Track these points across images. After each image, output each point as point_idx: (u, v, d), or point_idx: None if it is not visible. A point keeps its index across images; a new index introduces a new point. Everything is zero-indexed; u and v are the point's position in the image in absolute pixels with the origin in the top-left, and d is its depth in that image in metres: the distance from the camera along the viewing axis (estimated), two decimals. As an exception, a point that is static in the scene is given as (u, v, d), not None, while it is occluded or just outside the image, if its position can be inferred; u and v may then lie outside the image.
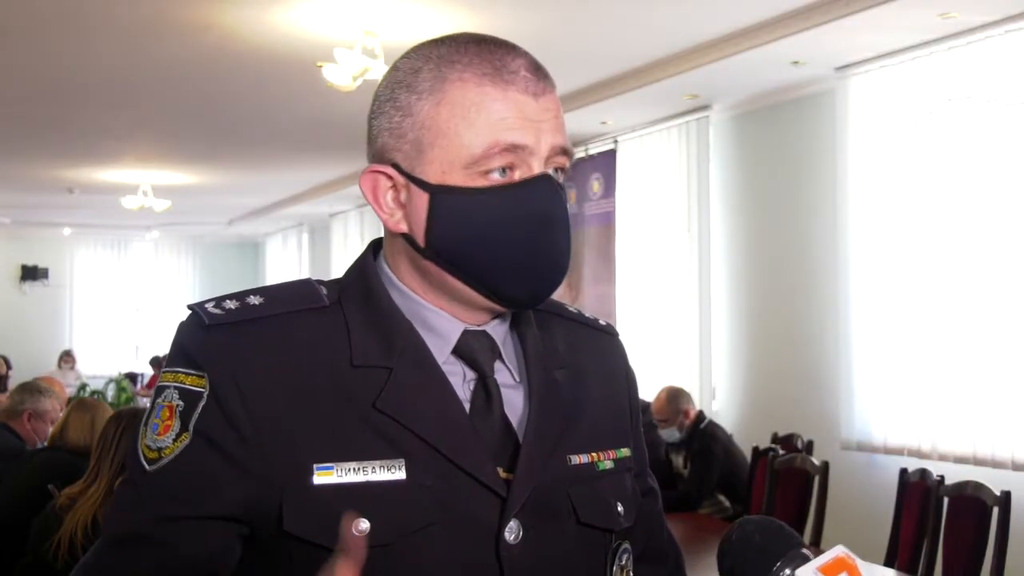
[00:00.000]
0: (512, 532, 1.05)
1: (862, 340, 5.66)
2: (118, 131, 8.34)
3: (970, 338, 5.03)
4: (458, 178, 1.05)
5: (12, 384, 8.26)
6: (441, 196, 1.06)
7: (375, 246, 1.18)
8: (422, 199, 1.07)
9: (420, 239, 1.08)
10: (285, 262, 15.42)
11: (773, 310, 6.51)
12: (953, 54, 5.14)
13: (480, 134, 1.05)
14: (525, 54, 1.09)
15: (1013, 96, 4.87)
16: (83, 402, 4.09)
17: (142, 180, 10.53)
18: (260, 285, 1.18)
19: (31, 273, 15.79)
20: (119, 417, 3.15)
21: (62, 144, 8.89)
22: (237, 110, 7.53)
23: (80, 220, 14.75)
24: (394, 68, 1.12)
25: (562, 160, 1.10)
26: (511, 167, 1.06)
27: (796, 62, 5.70)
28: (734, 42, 5.51)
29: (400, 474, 1.02)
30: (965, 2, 4.69)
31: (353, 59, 5.04)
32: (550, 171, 1.08)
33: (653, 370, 6.74)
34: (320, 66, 5.15)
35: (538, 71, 1.09)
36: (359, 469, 1.01)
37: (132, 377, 12.81)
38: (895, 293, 5.48)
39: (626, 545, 1.17)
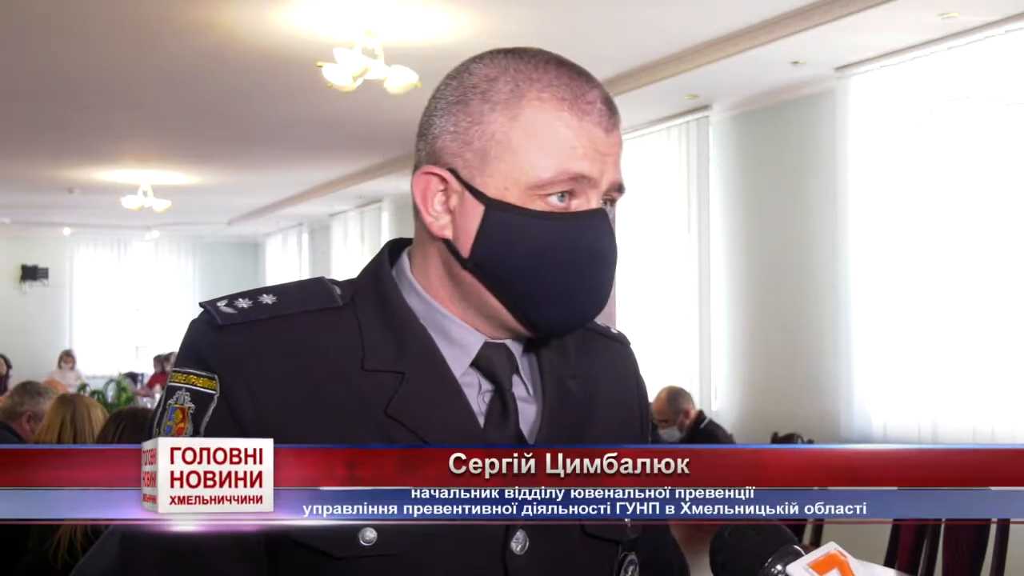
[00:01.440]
0: (519, 543, 1.05)
1: (862, 339, 5.66)
2: (118, 131, 8.34)
3: (970, 337, 5.04)
4: (518, 197, 1.05)
5: (12, 384, 8.25)
6: (498, 212, 1.05)
7: (392, 247, 1.17)
8: (476, 210, 1.06)
9: (464, 249, 1.07)
10: (285, 262, 15.42)
11: (773, 310, 6.51)
12: (953, 54, 5.14)
13: (550, 159, 1.04)
14: (600, 86, 1.09)
15: (1013, 96, 4.88)
16: (64, 398, 4.06)
17: (142, 180, 10.53)
18: (260, 285, 1.17)
19: (31, 273, 15.80)
20: (119, 417, 3.15)
21: (62, 144, 8.89)
22: (237, 110, 7.53)
23: (80, 220, 14.76)
24: (466, 71, 1.10)
25: (616, 195, 1.10)
26: (571, 194, 1.06)
27: (796, 62, 5.70)
28: (734, 42, 5.51)
29: None
30: (965, 2, 4.70)
31: (353, 59, 5.04)
32: (603, 204, 1.09)
33: (653, 370, 6.74)
34: (320, 66, 5.15)
35: (611, 106, 1.09)
36: None
37: (132, 377, 12.82)
38: (895, 293, 5.48)
39: (632, 557, 1.16)
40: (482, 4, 5.09)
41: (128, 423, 3.09)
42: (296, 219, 14.16)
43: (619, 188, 1.10)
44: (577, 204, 1.06)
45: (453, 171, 1.07)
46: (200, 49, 5.82)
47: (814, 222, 6.18)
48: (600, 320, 1.29)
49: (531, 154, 1.04)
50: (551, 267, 1.05)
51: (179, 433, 1.03)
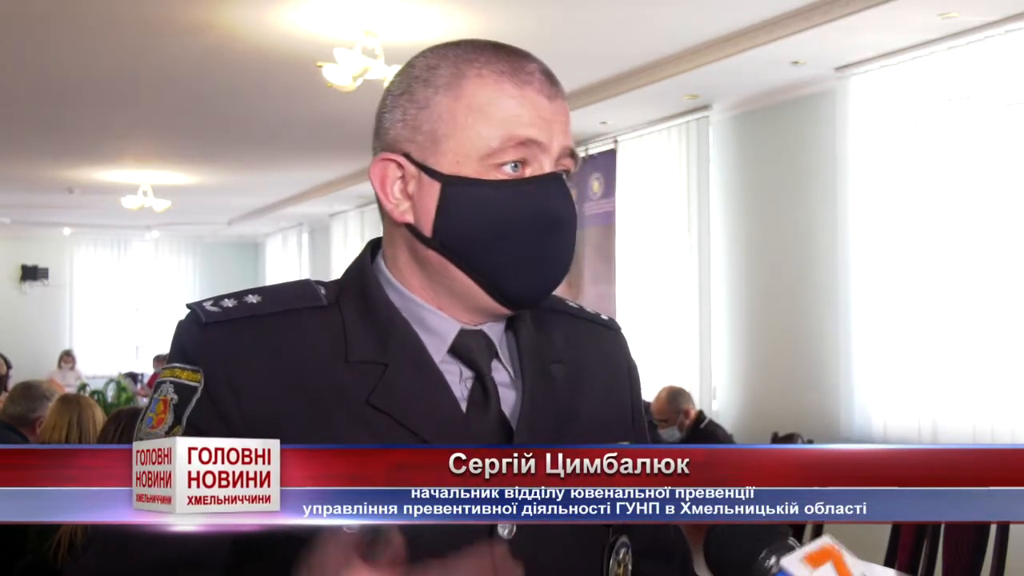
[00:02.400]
0: (505, 527, 1.05)
1: (862, 339, 5.66)
2: (118, 131, 8.34)
3: (970, 337, 5.04)
4: (472, 170, 1.07)
5: (12, 384, 8.24)
6: (454, 186, 1.07)
7: (373, 247, 1.19)
8: (433, 188, 1.08)
9: (427, 229, 1.09)
10: (285, 262, 15.43)
11: (773, 310, 6.51)
12: (953, 54, 5.15)
13: (497, 127, 1.06)
14: (539, 61, 1.12)
15: (1013, 96, 4.88)
16: (67, 398, 4.07)
17: (142, 180, 10.54)
18: (260, 285, 1.19)
19: (31, 273, 15.80)
20: (118, 417, 3.15)
21: (62, 144, 8.90)
22: (237, 110, 7.53)
23: (80, 220, 14.76)
24: (409, 66, 1.13)
25: (569, 163, 1.11)
26: (523, 162, 1.08)
27: (796, 62, 5.71)
28: (734, 42, 5.51)
29: None
30: (965, 2, 4.70)
31: (353, 59, 5.04)
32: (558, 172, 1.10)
33: (653, 370, 6.75)
34: (320, 66, 5.16)
35: (551, 77, 1.11)
36: None
37: (132, 377, 12.82)
38: (895, 293, 5.48)
39: (624, 540, 1.16)
40: (481, 4, 5.09)
41: (128, 423, 3.09)
42: (296, 219, 14.16)
43: (571, 155, 1.11)
44: (531, 171, 1.08)
45: (407, 155, 1.09)
46: (200, 49, 5.82)
47: (814, 222, 6.18)
48: (600, 313, 1.30)
49: (478, 126, 1.07)
50: (512, 234, 1.07)
51: (159, 423, 1.04)
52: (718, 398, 6.87)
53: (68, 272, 16.05)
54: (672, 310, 7.05)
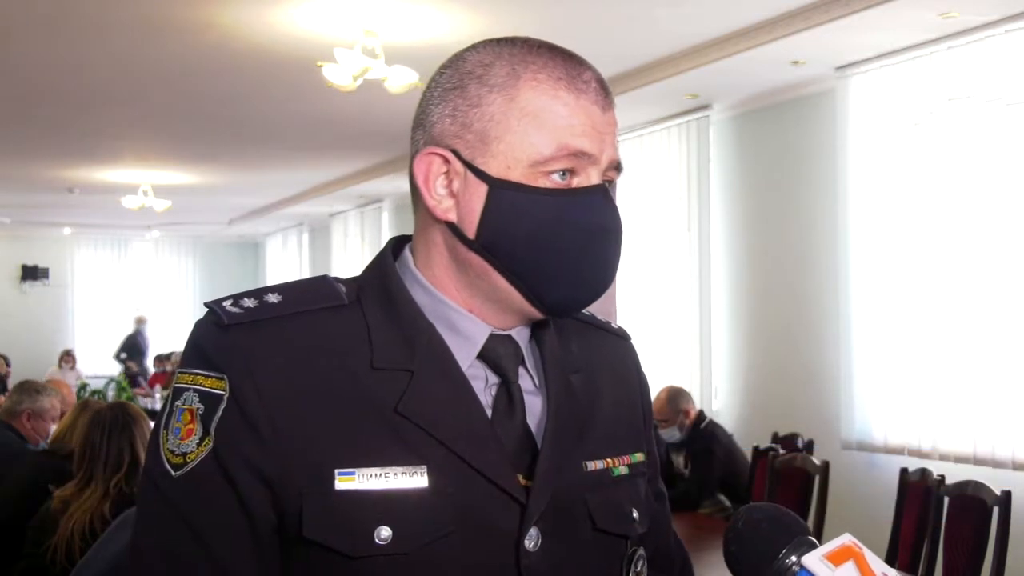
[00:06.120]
0: (532, 539, 1.05)
1: (862, 339, 5.66)
2: (118, 131, 8.34)
3: (970, 338, 5.04)
4: (520, 175, 1.05)
5: (12, 384, 8.25)
6: (502, 190, 1.05)
7: (395, 244, 1.17)
8: (480, 190, 1.06)
9: (470, 230, 1.07)
10: (285, 262, 15.42)
11: (773, 310, 6.51)
12: (953, 54, 5.14)
13: (550, 135, 1.05)
14: (595, 69, 1.10)
15: (1013, 96, 4.88)
16: (87, 404, 4.06)
17: (142, 180, 10.54)
18: (261, 285, 1.17)
19: (31, 273, 15.80)
20: (101, 418, 3.11)
21: (62, 144, 8.89)
22: (237, 110, 7.53)
23: (80, 220, 14.76)
24: (460, 59, 1.11)
25: (614, 175, 1.10)
26: (572, 172, 1.06)
27: (796, 62, 5.70)
28: (734, 42, 5.51)
29: (422, 481, 1.01)
30: (965, 2, 4.70)
31: (353, 59, 5.04)
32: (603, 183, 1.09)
33: (653, 370, 6.74)
34: (320, 66, 5.15)
35: (605, 86, 1.10)
36: (381, 475, 1.00)
37: (132, 377, 12.81)
38: (895, 293, 5.48)
39: (641, 551, 1.16)
40: (482, 4, 5.09)
41: (122, 422, 3.07)
42: (296, 219, 14.16)
43: (617, 166, 1.10)
44: (578, 181, 1.07)
45: (455, 152, 1.07)
46: (200, 49, 5.82)
47: (814, 222, 6.18)
48: (611, 322, 1.30)
49: (531, 132, 1.05)
50: (558, 243, 1.06)
51: (188, 435, 1.01)
52: (718, 398, 6.86)
53: (68, 272, 16.05)
54: (672, 310, 7.04)
